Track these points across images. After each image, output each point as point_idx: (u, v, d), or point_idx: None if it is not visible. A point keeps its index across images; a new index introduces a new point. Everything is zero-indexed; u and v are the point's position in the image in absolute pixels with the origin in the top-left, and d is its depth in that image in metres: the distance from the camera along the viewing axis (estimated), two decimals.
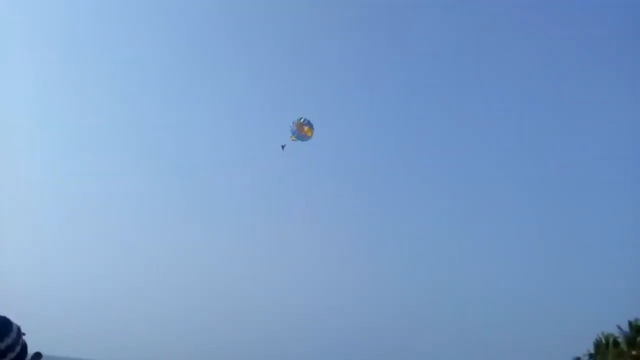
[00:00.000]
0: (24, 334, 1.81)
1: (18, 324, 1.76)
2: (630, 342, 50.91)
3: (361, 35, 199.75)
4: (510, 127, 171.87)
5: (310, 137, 23.44)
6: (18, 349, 1.73)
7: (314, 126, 23.12)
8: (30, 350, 1.88)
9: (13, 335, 1.72)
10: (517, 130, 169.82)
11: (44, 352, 1.94)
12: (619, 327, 51.34)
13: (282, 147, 24.04)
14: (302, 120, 23.33)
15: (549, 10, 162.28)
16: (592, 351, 55.12)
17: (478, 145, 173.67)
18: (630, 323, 50.46)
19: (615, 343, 51.82)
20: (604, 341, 53.36)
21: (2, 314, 1.78)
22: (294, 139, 23.48)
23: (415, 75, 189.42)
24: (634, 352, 49.40)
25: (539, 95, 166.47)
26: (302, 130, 23.19)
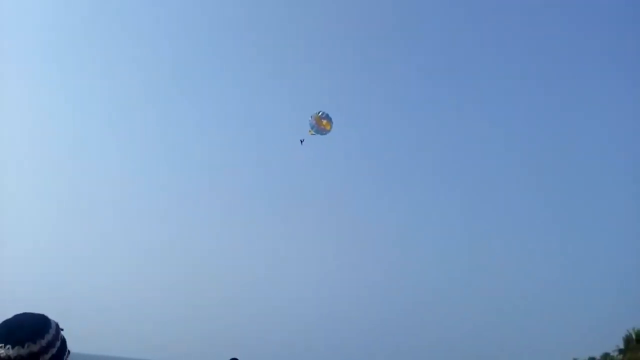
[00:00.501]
0: (62, 330, 1.86)
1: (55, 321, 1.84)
2: None
3: (378, 28, 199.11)
4: (533, 121, 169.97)
5: (329, 131, 22.98)
6: (58, 344, 1.78)
7: (333, 119, 22.82)
8: None
9: (52, 331, 1.77)
10: (540, 124, 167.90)
11: (72, 349, 1.95)
12: None
13: (301, 141, 23.72)
14: (320, 113, 22.87)
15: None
16: (622, 347, 54.07)
17: (497, 142, 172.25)
18: None
19: None
20: (634, 336, 52.20)
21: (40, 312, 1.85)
22: (313, 133, 23.11)
23: (433, 67, 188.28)
24: None
25: (558, 88, 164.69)
26: (321, 124, 22.71)
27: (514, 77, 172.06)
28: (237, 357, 13.55)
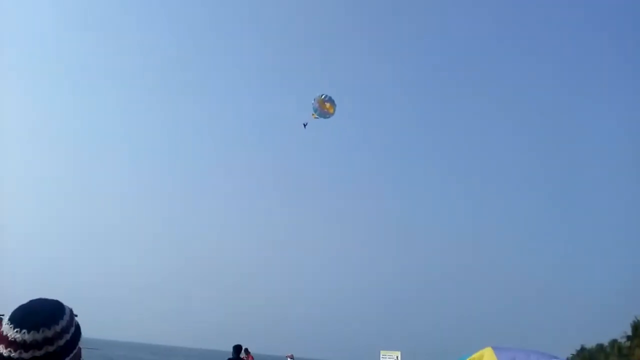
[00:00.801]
0: (76, 316, 1.88)
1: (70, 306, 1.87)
2: None
3: (387, 17, 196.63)
4: (539, 114, 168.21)
5: (332, 114, 22.77)
6: (72, 330, 1.80)
7: (336, 102, 22.52)
8: None
9: (67, 317, 1.79)
10: (546, 117, 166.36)
11: (85, 335, 1.98)
12: None
13: (304, 125, 23.49)
14: (323, 96, 22.63)
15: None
16: (630, 333, 53.79)
17: (504, 135, 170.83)
18: None
19: None
20: None
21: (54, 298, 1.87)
22: (316, 116, 22.86)
23: (442, 62, 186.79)
24: None
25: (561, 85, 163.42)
26: (324, 107, 22.46)
27: (523, 73, 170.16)
28: (241, 344, 13.59)
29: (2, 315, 12.71)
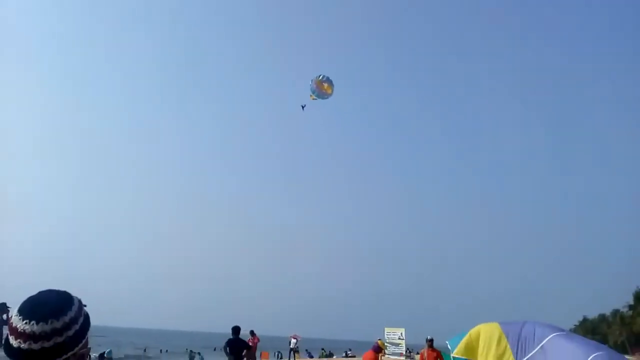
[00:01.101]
0: (85, 306, 1.89)
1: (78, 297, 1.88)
2: None
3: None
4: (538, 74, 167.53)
5: (330, 95, 22.58)
6: (81, 320, 1.81)
7: (334, 83, 22.27)
8: None
9: (75, 308, 1.80)
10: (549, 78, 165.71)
11: (95, 323, 2.02)
12: None
13: (302, 107, 23.30)
14: (321, 77, 22.42)
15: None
16: (632, 303, 54.14)
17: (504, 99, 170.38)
18: None
19: None
20: None
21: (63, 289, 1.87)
22: (315, 97, 22.65)
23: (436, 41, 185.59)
24: None
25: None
26: (322, 88, 22.26)
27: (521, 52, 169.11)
28: (239, 325, 13.74)
29: (10, 307, 12.79)
